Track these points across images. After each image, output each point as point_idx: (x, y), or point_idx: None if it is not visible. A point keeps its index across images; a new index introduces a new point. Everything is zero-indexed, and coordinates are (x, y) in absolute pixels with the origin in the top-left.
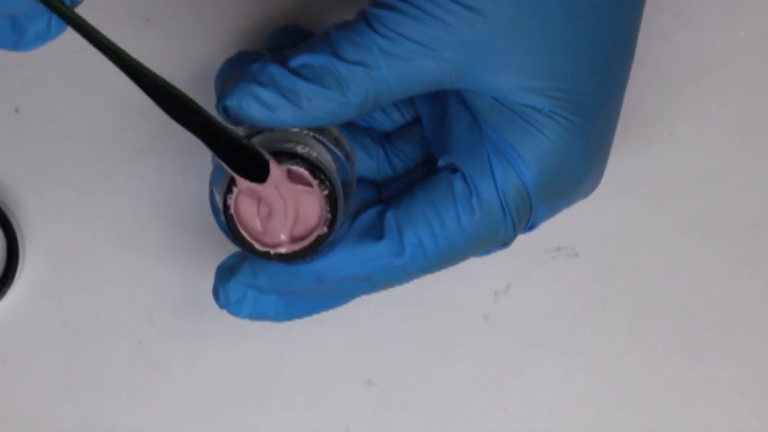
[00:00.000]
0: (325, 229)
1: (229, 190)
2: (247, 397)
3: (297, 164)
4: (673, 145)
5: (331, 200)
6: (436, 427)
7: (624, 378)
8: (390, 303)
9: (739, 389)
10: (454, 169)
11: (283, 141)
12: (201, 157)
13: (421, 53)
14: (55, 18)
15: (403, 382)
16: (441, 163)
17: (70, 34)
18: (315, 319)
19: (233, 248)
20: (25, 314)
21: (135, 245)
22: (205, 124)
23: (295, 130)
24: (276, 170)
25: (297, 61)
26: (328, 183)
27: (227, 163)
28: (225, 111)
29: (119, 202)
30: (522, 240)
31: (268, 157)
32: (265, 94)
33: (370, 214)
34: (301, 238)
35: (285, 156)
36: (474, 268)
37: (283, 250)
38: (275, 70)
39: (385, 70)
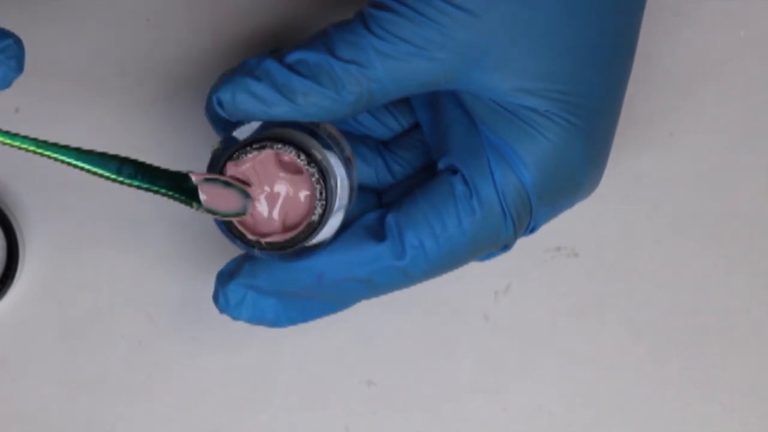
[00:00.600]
0: (315, 217)
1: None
2: (247, 397)
3: (285, 149)
4: (673, 145)
5: (321, 184)
6: (436, 427)
7: (624, 378)
8: (390, 303)
9: (739, 389)
10: (454, 171)
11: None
12: (200, 158)
13: (415, 54)
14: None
15: (403, 382)
16: (441, 165)
17: (71, 34)
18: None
19: (233, 249)
20: (25, 314)
21: (135, 245)
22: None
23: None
24: (261, 155)
25: (293, 57)
26: (316, 167)
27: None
28: (219, 103)
29: (119, 202)
30: (522, 240)
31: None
32: (260, 87)
33: (370, 217)
34: (293, 227)
35: (275, 141)
36: (474, 268)
37: (273, 239)
38: (271, 65)
39: (379, 69)
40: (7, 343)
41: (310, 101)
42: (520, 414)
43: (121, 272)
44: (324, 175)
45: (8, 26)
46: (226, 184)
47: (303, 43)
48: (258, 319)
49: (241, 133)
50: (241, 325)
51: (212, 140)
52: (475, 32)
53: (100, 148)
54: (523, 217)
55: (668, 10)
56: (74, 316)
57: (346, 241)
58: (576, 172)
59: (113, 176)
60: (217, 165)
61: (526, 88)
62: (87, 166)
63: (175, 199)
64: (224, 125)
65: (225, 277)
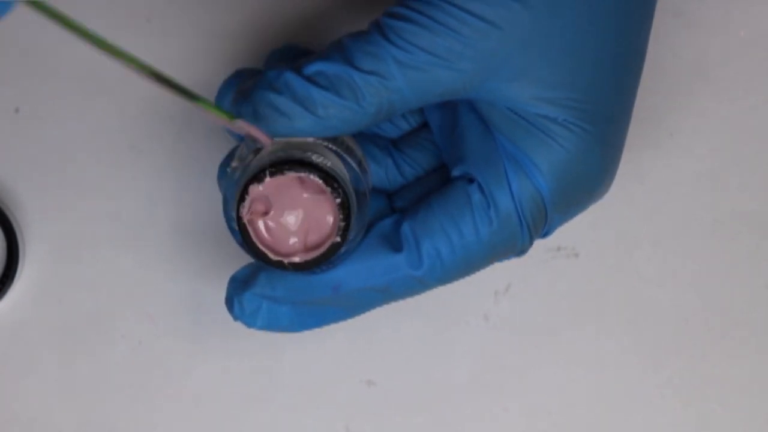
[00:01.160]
0: (339, 238)
1: (241, 199)
2: (247, 397)
3: (310, 172)
4: (673, 145)
5: (345, 208)
6: (436, 427)
7: (624, 378)
8: (390, 304)
9: (739, 389)
10: (470, 179)
11: (298, 150)
12: (201, 158)
13: (436, 64)
14: None
15: (403, 382)
16: (456, 172)
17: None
18: None
19: (233, 249)
20: (25, 314)
21: (135, 245)
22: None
23: (310, 140)
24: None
25: (312, 69)
26: (341, 191)
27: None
28: (239, 116)
29: (119, 202)
30: None
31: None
32: (281, 101)
33: (385, 224)
34: (315, 247)
35: (298, 165)
36: None
37: (296, 259)
38: (291, 78)
39: (400, 80)
40: (7, 343)
41: (330, 113)
42: (520, 414)
43: (121, 272)
44: (347, 198)
45: (9, 26)
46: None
47: (320, 55)
48: (273, 326)
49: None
50: (240, 326)
51: (212, 140)
52: (496, 42)
53: (99, 148)
54: (539, 225)
55: (668, 11)
56: (74, 316)
57: (363, 252)
58: (590, 179)
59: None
60: (239, 185)
61: (544, 97)
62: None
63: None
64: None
65: (239, 284)
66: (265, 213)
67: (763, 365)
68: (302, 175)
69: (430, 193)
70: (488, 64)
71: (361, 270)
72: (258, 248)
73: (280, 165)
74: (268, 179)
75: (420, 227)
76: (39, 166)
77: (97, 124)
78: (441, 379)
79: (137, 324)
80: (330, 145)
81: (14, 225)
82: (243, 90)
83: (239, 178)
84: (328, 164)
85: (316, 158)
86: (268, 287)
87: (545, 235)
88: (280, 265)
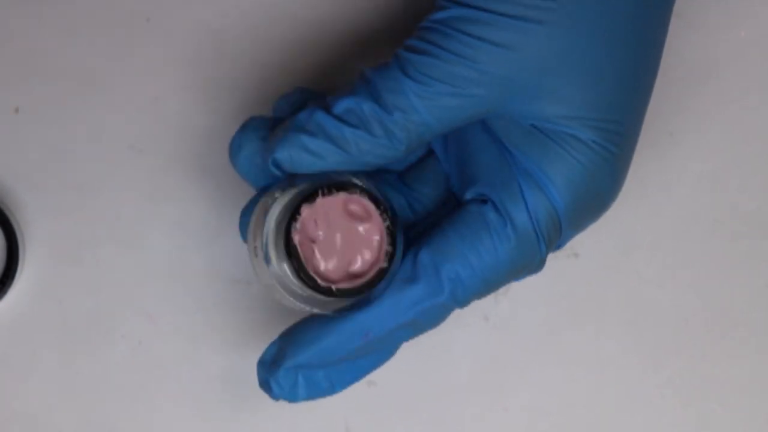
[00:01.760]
0: (385, 263)
1: (293, 220)
2: (247, 396)
3: (361, 193)
4: (673, 145)
5: (391, 233)
6: (436, 427)
7: (624, 378)
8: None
9: (739, 389)
10: (483, 200)
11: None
12: (201, 158)
13: (456, 94)
14: None
15: (403, 382)
16: (469, 195)
17: (71, 34)
18: None
19: (233, 249)
20: (25, 314)
21: (135, 245)
22: None
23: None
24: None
25: (341, 108)
26: (388, 214)
27: None
28: (276, 164)
29: (119, 202)
30: None
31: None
32: (315, 143)
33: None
34: (359, 275)
35: (345, 187)
36: None
37: (344, 285)
38: (322, 118)
39: (423, 113)
40: (7, 343)
41: (363, 149)
42: (520, 414)
43: (121, 272)
44: (394, 222)
45: (9, 27)
46: None
47: (347, 92)
48: (315, 394)
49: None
50: (240, 326)
51: (212, 140)
52: (512, 66)
53: (99, 148)
54: (554, 239)
55: None
56: (74, 316)
57: (387, 296)
58: (603, 192)
59: None
60: (289, 206)
61: (567, 116)
62: None
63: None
64: (258, 177)
65: (270, 365)
66: (313, 240)
67: (763, 365)
68: (353, 196)
69: (442, 220)
70: (508, 88)
71: (388, 310)
72: (309, 275)
73: (329, 187)
74: (319, 199)
75: (438, 254)
76: (39, 166)
77: (97, 124)
78: (441, 379)
79: (137, 324)
80: (357, 178)
81: (14, 225)
82: (276, 133)
83: (288, 201)
84: (373, 187)
85: (360, 181)
86: (300, 356)
87: (558, 247)
88: (328, 293)
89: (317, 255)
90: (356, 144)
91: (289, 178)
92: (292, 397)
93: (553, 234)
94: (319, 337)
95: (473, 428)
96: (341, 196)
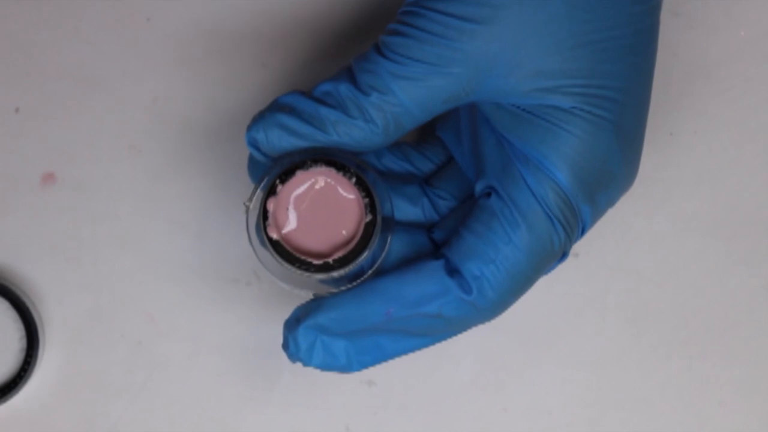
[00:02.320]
0: (369, 215)
1: (265, 218)
2: (247, 397)
3: (315, 165)
4: (673, 145)
5: (362, 185)
6: (436, 427)
7: (624, 378)
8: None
9: (738, 389)
10: (488, 193)
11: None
12: (201, 157)
13: (430, 72)
14: None
15: (403, 382)
16: (477, 189)
17: (71, 34)
18: None
19: (232, 247)
20: None
21: (135, 245)
22: None
23: None
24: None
25: (319, 90)
26: (351, 170)
27: None
28: (253, 143)
29: (119, 202)
30: None
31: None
32: (290, 121)
33: (426, 256)
34: (352, 238)
35: (299, 166)
36: None
37: (340, 254)
38: (298, 98)
39: (398, 93)
40: None
41: (340, 131)
42: (520, 414)
43: (121, 272)
44: (360, 174)
45: (9, 27)
46: None
47: (329, 77)
48: (330, 364)
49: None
50: (240, 326)
51: (212, 140)
52: (483, 40)
53: (99, 148)
54: (570, 219)
55: (668, 11)
56: (74, 316)
57: (412, 276)
58: (608, 163)
59: None
60: (267, 185)
61: (545, 87)
62: None
63: None
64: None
65: (293, 323)
66: (292, 227)
67: (763, 365)
68: (310, 170)
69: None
70: (481, 64)
71: (411, 293)
72: (300, 259)
73: (285, 173)
74: (280, 187)
75: (456, 255)
76: (39, 166)
77: (97, 124)
78: (441, 379)
79: (137, 324)
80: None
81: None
82: (255, 116)
83: (256, 203)
84: (330, 151)
85: (314, 153)
86: (321, 316)
87: (583, 231)
88: (326, 268)
89: (303, 238)
90: (333, 125)
91: (264, 173)
92: (307, 359)
93: (567, 213)
94: (342, 303)
95: (473, 428)
96: (299, 176)
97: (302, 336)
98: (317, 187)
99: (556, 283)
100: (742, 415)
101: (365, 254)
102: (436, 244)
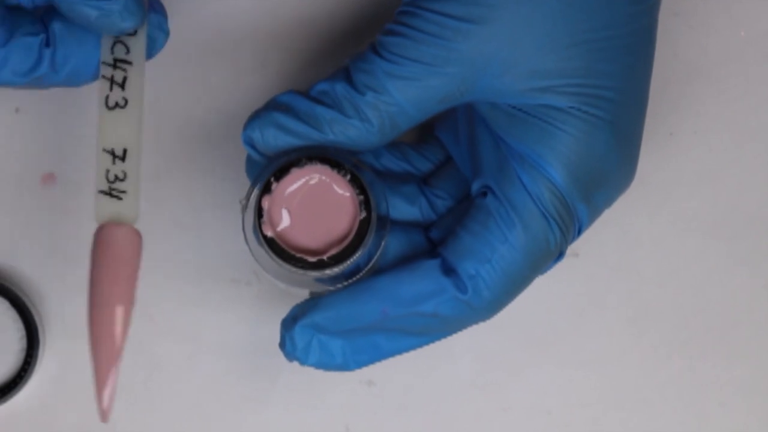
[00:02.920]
0: (364, 212)
1: (260, 215)
2: (247, 397)
3: (310, 163)
4: (673, 146)
5: (357, 182)
6: (436, 427)
7: (624, 378)
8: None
9: (739, 389)
10: (484, 192)
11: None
12: (200, 158)
13: (425, 72)
14: None
15: (403, 382)
16: (473, 189)
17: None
18: None
19: (231, 247)
20: None
21: None
22: None
23: None
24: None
25: (316, 90)
26: (347, 167)
27: None
28: (249, 142)
29: None
30: None
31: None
32: (286, 120)
33: (423, 255)
34: (347, 235)
35: (293, 164)
36: None
37: (334, 251)
38: (294, 97)
39: (394, 92)
40: None
41: (336, 130)
42: (520, 414)
43: None
44: (355, 171)
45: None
46: None
47: (326, 77)
48: (326, 363)
49: None
50: (240, 326)
51: (211, 140)
52: (479, 40)
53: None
54: (566, 219)
55: (668, 10)
56: (74, 316)
57: (408, 276)
58: (604, 163)
59: None
60: (262, 183)
61: (539, 87)
62: None
63: None
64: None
65: (290, 322)
66: (287, 225)
67: (763, 365)
68: (304, 168)
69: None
70: (476, 63)
71: (407, 292)
72: (295, 257)
73: (279, 171)
74: (275, 185)
75: (451, 254)
76: (39, 166)
77: (97, 124)
78: (441, 379)
79: (137, 324)
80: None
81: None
82: (251, 115)
83: (252, 201)
84: (324, 149)
85: (308, 152)
86: (317, 315)
87: (579, 230)
88: (321, 266)
89: (297, 236)
90: (328, 124)
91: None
92: (303, 358)
93: (563, 212)
94: (338, 302)
95: (473, 428)
96: (294, 174)
97: (299, 335)
98: (311, 184)
99: (557, 283)
100: (743, 415)
101: (360, 252)
102: (433, 244)
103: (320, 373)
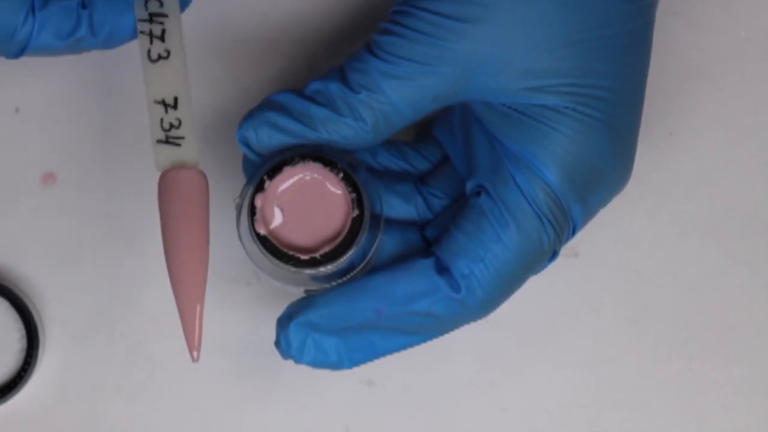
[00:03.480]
0: (356, 210)
1: (253, 213)
2: (246, 397)
3: (303, 162)
4: (672, 145)
5: (350, 180)
6: (436, 426)
7: (623, 378)
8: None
9: (738, 390)
10: (478, 192)
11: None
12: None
13: (419, 71)
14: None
15: (403, 382)
16: (468, 188)
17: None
18: None
19: (231, 248)
20: None
21: (135, 245)
22: None
23: None
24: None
25: (310, 89)
26: (339, 165)
27: None
28: (244, 141)
29: (119, 202)
30: None
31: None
32: (280, 119)
33: (418, 254)
34: (339, 234)
35: (286, 162)
36: None
37: (326, 248)
38: (289, 97)
39: (388, 91)
40: None
41: (330, 129)
42: (519, 414)
43: (121, 272)
44: (348, 170)
45: None
46: None
47: (320, 77)
48: (321, 361)
49: None
50: (240, 326)
51: (211, 140)
52: (473, 40)
53: (99, 148)
54: (560, 219)
55: (668, 10)
56: (74, 316)
57: (402, 275)
58: (599, 163)
59: None
60: (255, 181)
61: (534, 86)
62: None
63: None
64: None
65: (285, 321)
66: (280, 223)
67: (763, 365)
68: (296, 167)
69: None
70: (470, 63)
71: (401, 291)
72: (287, 255)
73: (272, 169)
74: (267, 183)
75: (447, 255)
76: (39, 166)
77: (96, 124)
78: (441, 379)
79: (137, 324)
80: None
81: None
82: (246, 114)
83: (246, 199)
84: (318, 148)
85: (302, 150)
86: (310, 314)
87: (574, 231)
88: (314, 264)
89: (290, 234)
90: (322, 123)
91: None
92: (298, 357)
93: (557, 212)
94: (332, 300)
95: (472, 427)
96: (287, 172)
97: (293, 333)
98: (304, 182)
99: (556, 283)
100: (743, 415)
101: (353, 250)
102: (429, 243)
103: (320, 373)
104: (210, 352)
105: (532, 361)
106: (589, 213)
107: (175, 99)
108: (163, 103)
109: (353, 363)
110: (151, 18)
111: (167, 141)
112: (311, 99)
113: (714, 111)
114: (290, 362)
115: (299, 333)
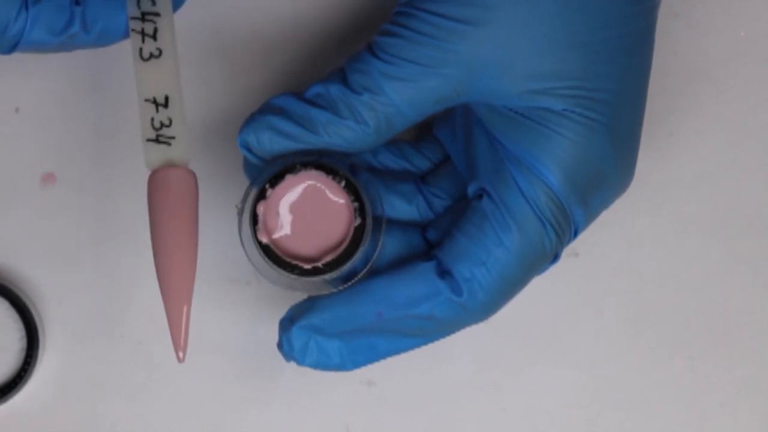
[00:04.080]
0: (359, 219)
1: (255, 221)
2: (246, 397)
3: (305, 169)
4: (674, 146)
5: (352, 189)
6: (436, 427)
7: (624, 378)
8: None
9: (739, 390)
10: (480, 195)
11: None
12: (200, 158)
13: (422, 73)
14: None
15: (403, 382)
16: (470, 191)
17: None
18: None
19: (230, 249)
20: None
21: (135, 245)
22: None
23: None
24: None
25: (311, 92)
26: (341, 173)
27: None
28: (245, 146)
29: (119, 202)
30: None
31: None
32: (281, 123)
33: (420, 257)
34: (341, 242)
35: (289, 170)
36: None
37: (329, 258)
38: (289, 100)
39: (390, 93)
40: None
41: (331, 132)
42: (519, 414)
43: (121, 272)
44: (350, 177)
45: None
46: None
47: (321, 79)
48: (323, 364)
49: None
50: (240, 326)
51: (211, 140)
52: (475, 42)
53: (99, 148)
54: (562, 222)
55: (668, 11)
56: (74, 316)
57: (403, 278)
58: (601, 166)
59: None
60: (257, 188)
61: (536, 89)
62: None
63: None
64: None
65: (287, 323)
66: (283, 231)
67: (763, 365)
68: (299, 174)
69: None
70: (472, 65)
71: (402, 295)
72: (290, 264)
73: (274, 177)
74: (270, 191)
75: (448, 258)
76: (39, 166)
77: (97, 124)
78: (441, 379)
79: (137, 324)
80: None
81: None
82: (246, 118)
83: (247, 206)
84: (321, 156)
85: (304, 157)
86: (313, 317)
87: (575, 233)
88: (317, 271)
89: (293, 243)
90: (323, 126)
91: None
92: (300, 359)
93: (559, 216)
94: (334, 304)
95: (472, 428)
96: (289, 180)
97: (296, 336)
98: (306, 191)
99: (557, 284)
100: (744, 415)
101: (355, 258)
102: (430, 244)
103: (320, 374)
104: (210, 352)
105: (533, 362)
106: (591, 215)
107: (167, 98)
108: (154, 101)
109: (356, 365)
110: (144, 16)
111: (158, 140)
112: (312, 102)
113: (715, 112)
114: (291, 363)
115: (302, 336)
